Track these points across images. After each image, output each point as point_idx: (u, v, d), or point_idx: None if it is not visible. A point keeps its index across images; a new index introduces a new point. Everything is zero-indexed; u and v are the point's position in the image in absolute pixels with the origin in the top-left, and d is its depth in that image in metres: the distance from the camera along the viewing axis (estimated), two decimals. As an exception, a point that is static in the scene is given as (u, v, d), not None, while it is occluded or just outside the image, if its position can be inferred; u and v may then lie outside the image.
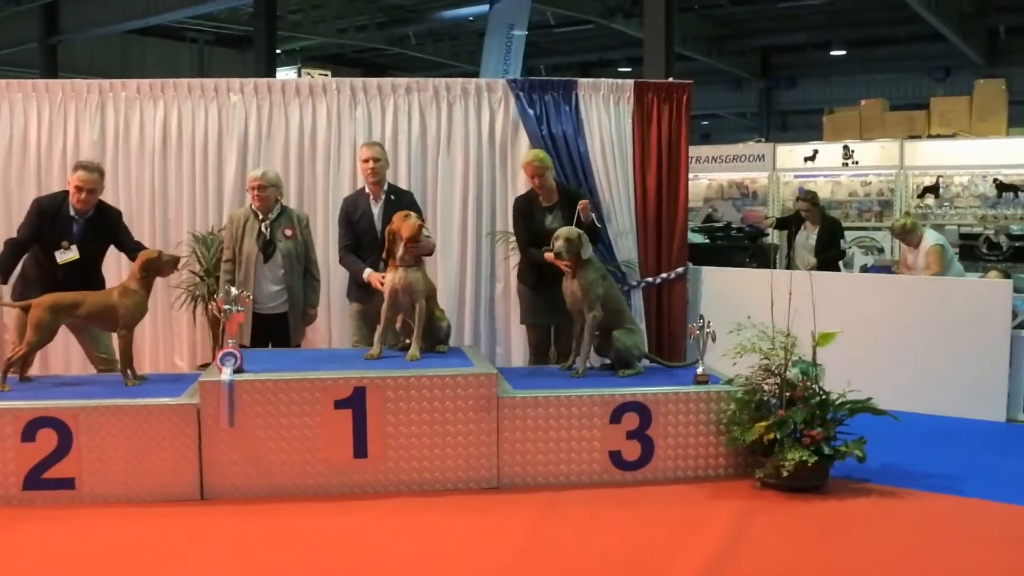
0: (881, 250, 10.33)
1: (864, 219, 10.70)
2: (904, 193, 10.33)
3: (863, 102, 11.86)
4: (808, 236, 8.19)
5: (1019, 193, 9.94)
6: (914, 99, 17.73)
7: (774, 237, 9.86)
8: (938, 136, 10.67)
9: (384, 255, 5.05)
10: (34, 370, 5.15)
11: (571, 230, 5.10)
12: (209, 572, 3.59)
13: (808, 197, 8.52)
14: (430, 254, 5.38)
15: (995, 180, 10.04)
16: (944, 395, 6.15)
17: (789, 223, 8.78)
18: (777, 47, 21.77)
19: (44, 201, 5.34)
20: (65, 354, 6.30)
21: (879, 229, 10.45)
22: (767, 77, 22.74)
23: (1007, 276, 7.24)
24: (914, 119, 11.19)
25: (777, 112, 24.35)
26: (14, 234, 5.39)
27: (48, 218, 5.21)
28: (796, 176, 11.11)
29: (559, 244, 4.99)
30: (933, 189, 10.34)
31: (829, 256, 8.01)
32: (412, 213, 4.99)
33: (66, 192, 5.29)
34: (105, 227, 5.36)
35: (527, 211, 5.77)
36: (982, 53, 18.12)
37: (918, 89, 19.76)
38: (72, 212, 5.24)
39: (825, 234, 8.11)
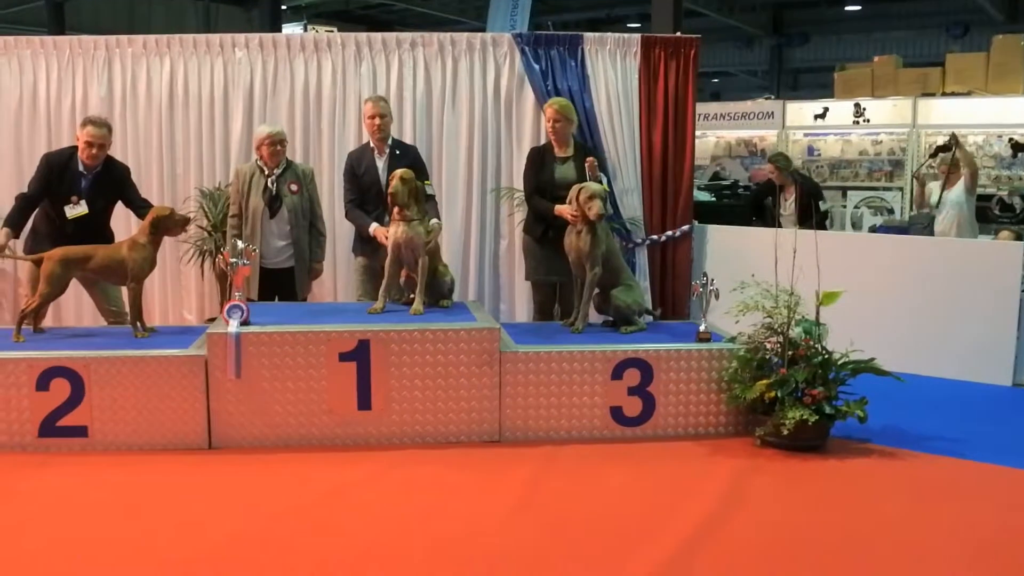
0: (891, 210, 10.26)
1: (874, 179, 10.61)
2: (916, 152, 10.22)
3: (876, 59, 11.69)
4: (787, 204, 7.71)
5: (1036, 152, 9.82)
6: (931, 57, 17.45)
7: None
8: (953, 94, 10.52)
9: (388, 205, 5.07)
10: (47, 322, 5.24)
11: (599, 187, 5.05)
12: (216, 518, 3.66)
13: (773, 159, 7.94)
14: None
15: (1011, 140, 9.90)
16: (950, 357, 6.13)
17: (762, 196, 8.33)
18: (789, 3, 21.41)
19: (52, 156, 5.38)
20: (77, 306, 6.41)
21: (889, 189, 10.37)
22: (779, 34, 22.37)
23: (1019, 237, 7.18)
24: (928, 76, 11.03)
25: (789, 70, 23.99)
26: (23, 187, 5.44)
27: (57, 173, 5.25)
28: (806, 134, 11.01)
29: (597, 204, 4.92)
30: (946, 148, 10.21)
31: (808, 227, 7.27)
32: (397, 174, 4.95)
33: (74, 147, 5.32)
34: (113, 182, 5.39)
35: (539, 160, 5.76)
36: (1002, 9, 17.75)
37: (935, 47, 19.40)
38: (81, 167, 5.27)
39: (803, 200, 7.56)
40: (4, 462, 4.22)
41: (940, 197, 7.45)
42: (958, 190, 7.31)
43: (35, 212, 5.33)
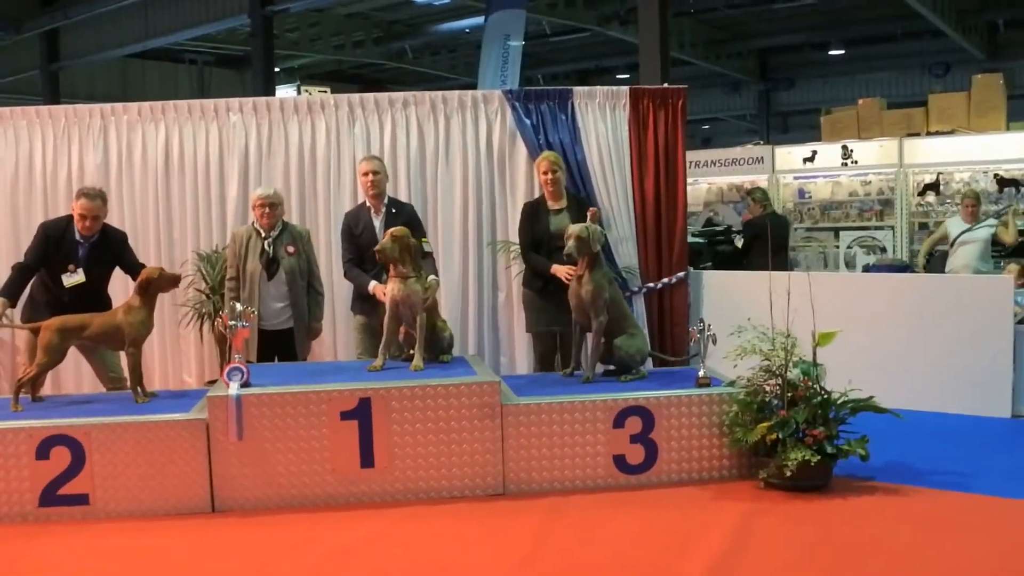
0: (884, 249, 10.32)
1: (865, 218, 10.70)
2: (905, 191, 10.32)
3: (860, 101, 11.87)
4: None
5: (1020, 187, 9.91)
6: (914, 96, 17.72)
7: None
8: (937, 133, 10.66)
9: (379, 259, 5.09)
10: (46, 390, 5.23)
11: (581, 226, 5.12)
12: (221, 584, 3.64)
13: (751, 192, 8.42)
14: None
15: (996, 175, 10.01)
16: (948, 392, 6.16)
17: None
18: (775, 48, 21.79)
19: (49, 226, 5.42)
20: (76, 373, 6.38)
21: (880, 228, 10.45)
22: (765, 79, 22.76)
23: None
24: (912, 116, 11.19)
25: (777, 114, 24.36)
26: (20, 257, 5.47)
27: (54, 242, 5.29)
28: (796, 178, 11.13)
29: (570, 244, 4.99)
30: (934, 186, 10.32)
31: (743, 264, 7.66)
32: (388, 231, 4.99)
33: (71, 216, 5.37)
34: (110, 250, 5.43)
35: (534, 214, 5.85)
36: (982, 48, 18.10)
37: (918, 86, 19.74)
38: (77, 236, 5.31)
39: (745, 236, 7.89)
40: (4, 533, 4.19)
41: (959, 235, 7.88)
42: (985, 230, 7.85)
43: (32, 281, 5.36)
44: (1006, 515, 4.21)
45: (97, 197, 5.32)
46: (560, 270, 5.32)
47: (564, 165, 6.05)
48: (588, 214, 5.51)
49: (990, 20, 17.91)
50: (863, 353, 5.85)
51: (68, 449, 4.32)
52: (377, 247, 4.95)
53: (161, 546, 4.03)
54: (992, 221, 8.08)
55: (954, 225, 8.08)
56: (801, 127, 22.92)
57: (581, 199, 6.16)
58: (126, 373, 4.99)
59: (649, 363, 5.56)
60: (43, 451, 4.31)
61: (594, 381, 5.08)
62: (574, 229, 5.09)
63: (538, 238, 5.73)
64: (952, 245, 7.92)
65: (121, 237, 5.56)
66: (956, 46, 17.69)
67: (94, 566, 3.84)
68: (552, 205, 5.84)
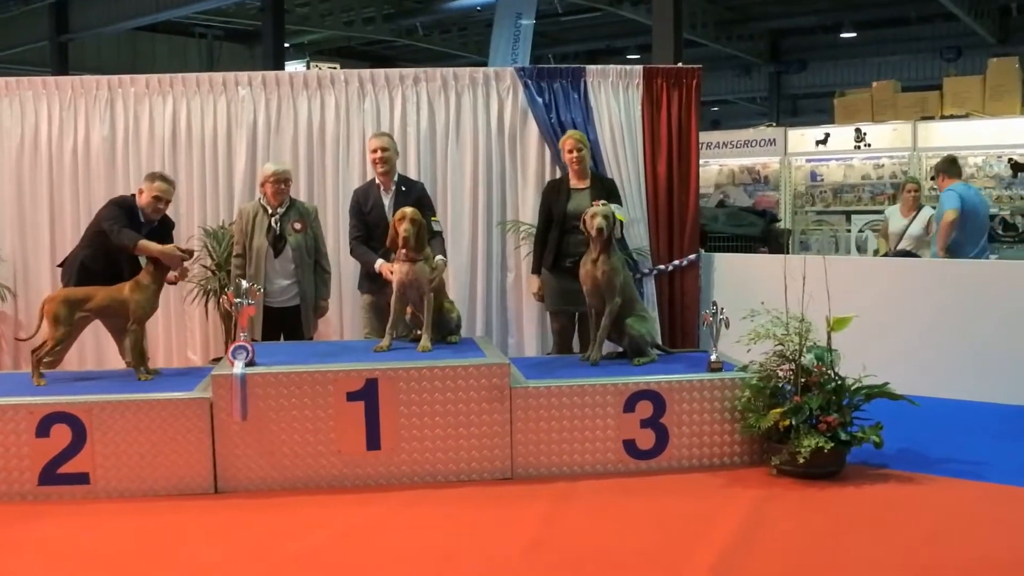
0: (896, 233, 10.21)
1: (877, 202, 10.60)
2: (917, 175, 10.20)
3: (874, 84, 11.76)
4: None
5: (1035, 172, 9.82)
6: (925, 80, 17.60)
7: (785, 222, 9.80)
8: (951, 116, 10.56)
9: (388, 244, 5.02)
10: (70, 365, 5.16)
11: (604, 208, 5.01)
12: (223, 565, 3.59)
13: None
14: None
15: (1010, 160, 9.91)
16: (962, 378, 6.08)
17: None
18: (786, 31, 21.60)
19: (121, 203, 5.34)
20: (79, 350, 6.34)
21: (893, 212, 10.34)
22: (777, 61, 22.55)
23: None
24: (926, 100, 11.09)
25: (787, 96, 24.16)
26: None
27: (126, 218, 5.22)
28: (808, 160, 11.03)
29: (598, 220, 4.88)
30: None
31: None
32: (407, 213, 4.89)
33: (134, 196, 5.34)
34: (164, 234, 5.39)
35: (555, 192, 5.78)
36: (994, 32, 17.95)
37: (930, 70, 19.57)
38: (141, 218, 5.27)
39: None
40: (3, 512, 4.14)
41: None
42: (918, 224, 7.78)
43: (85, 250, 5.31)
44: (1021, 504, 4.15)
45: (171, 182, 5.37)
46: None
47: (588, 144, 5.95)
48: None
49: (1002, 4, 17.73)
50: (878, 339, 5.77)
51: (69, 427, 4.26)
52: (403, 234, 4.80)
53: (162, 527, 3.98)
54: (928, 210, 7.92)
55: (894, 218, 8.00)
56: (811, 111, 22.73)
57: (605, 179, 6.07)
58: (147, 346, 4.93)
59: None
60: (43, 428, 4.25)
61: (605, 364, 5.01)
62: (599, 210, 4.96)
63: (557, 217, 5.65)
64: (894, 244, 7.84)
65: (172, 225, 5.57)
66: (968, 30, 17.53)
67: (94, 546, 3.79)
68: (576, 184, 5.76)
